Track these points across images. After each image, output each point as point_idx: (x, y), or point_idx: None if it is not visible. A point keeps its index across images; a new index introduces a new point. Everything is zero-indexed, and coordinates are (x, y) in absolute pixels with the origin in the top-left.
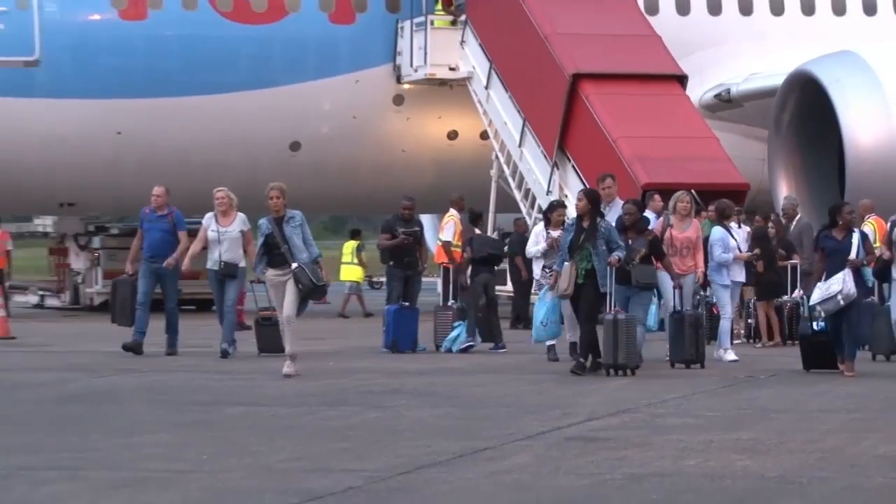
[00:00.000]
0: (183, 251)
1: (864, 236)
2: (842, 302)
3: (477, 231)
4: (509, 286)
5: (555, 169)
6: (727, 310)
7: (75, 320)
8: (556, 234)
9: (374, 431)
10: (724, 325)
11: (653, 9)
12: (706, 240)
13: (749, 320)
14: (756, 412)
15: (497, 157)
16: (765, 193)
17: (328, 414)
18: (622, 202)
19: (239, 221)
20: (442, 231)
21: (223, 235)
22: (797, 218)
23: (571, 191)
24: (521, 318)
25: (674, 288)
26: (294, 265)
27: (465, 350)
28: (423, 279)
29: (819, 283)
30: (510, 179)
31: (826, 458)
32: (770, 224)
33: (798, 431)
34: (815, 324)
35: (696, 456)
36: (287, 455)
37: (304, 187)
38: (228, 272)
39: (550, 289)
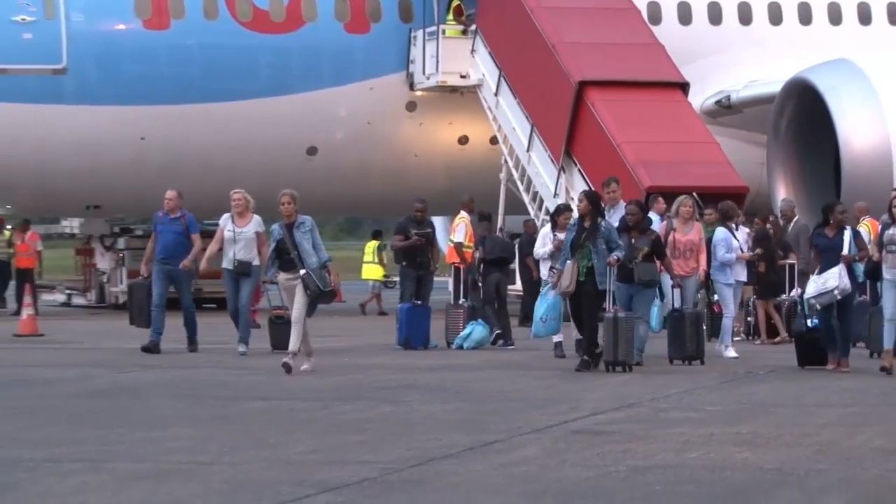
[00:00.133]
0: (197, 253)
1: (855, 233)
2: (838, 296)
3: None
4: (518, 285)
5: (561, 172)
6: (730, 308)
7: (101, 318)
8: (562, 236)
9: (388, 425)
10: (727, 323)
11: (656, 18)
12: (708, 241)
13: (748, 318)
14: (755, 407)
15: (506, 161)
16: (763, 196)
17: (343, 408)
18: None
19: (254, 223)
20: (454, 233)
21: (239, 235)
22: (795, 219)
23: (577, 194)
24: (530, 316)
25: (673, 287)
26: (302, 271)
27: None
28: (435, 278)
29: (814, 277)
30: (518, 183)
31: (823, 451)
32: (768, 225)
33: (795, 425)
34: (808, 321)
35: (697, 449)
36: (304, 448)
37: (320, 190)
38: (243, 270)
39: (553, 286)
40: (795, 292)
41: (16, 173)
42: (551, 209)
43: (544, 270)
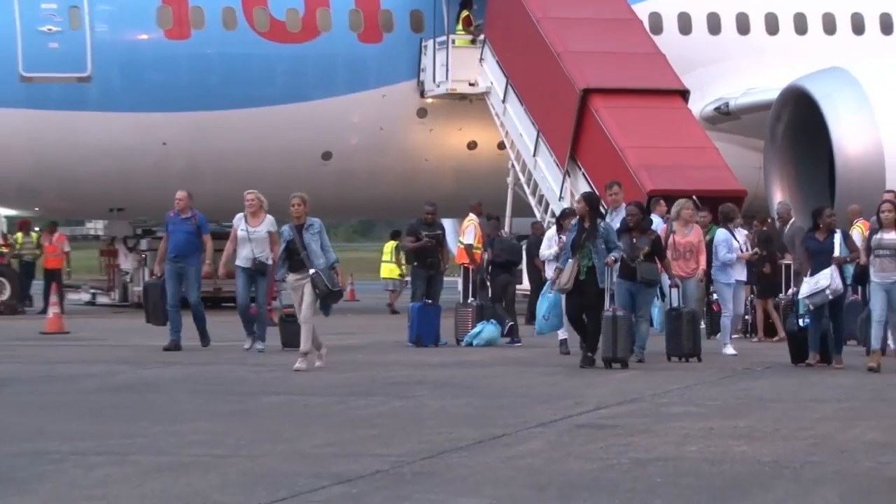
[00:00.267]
0: (211, 254)
1: (845, 235)
2: (830, 296)
3: (500, 232)
4: (526, 285)
5: (566, 177)
6: (729, 307)
7: (124, 316)
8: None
9: (400, 419)
10: (725, 321)
11: (657, 29)
12: (708, 243)
13: (746, 316)
14: (753, 401)
15: (513, 165)
16: (760, 199)
17: (357, 403)
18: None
19: (267, 222)
20: (463, 235)
21: (252, 235)
22: (791, 221)
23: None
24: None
25: (671, 287)
26: (311, 271)
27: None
28: (445, 278)
29: (806, 279)
30: (525, 186)
31: (818, 444)
32: (765, 227)
33: (792, 419)
34: (801, 321)
35: (697, 442)
36: (319, 441)
37: (334, 194)
38: (260, 269)
39: (552, 284)
40: (792, 291)
41: (43, 177)
42: (556, 212)
43: (549, 271)
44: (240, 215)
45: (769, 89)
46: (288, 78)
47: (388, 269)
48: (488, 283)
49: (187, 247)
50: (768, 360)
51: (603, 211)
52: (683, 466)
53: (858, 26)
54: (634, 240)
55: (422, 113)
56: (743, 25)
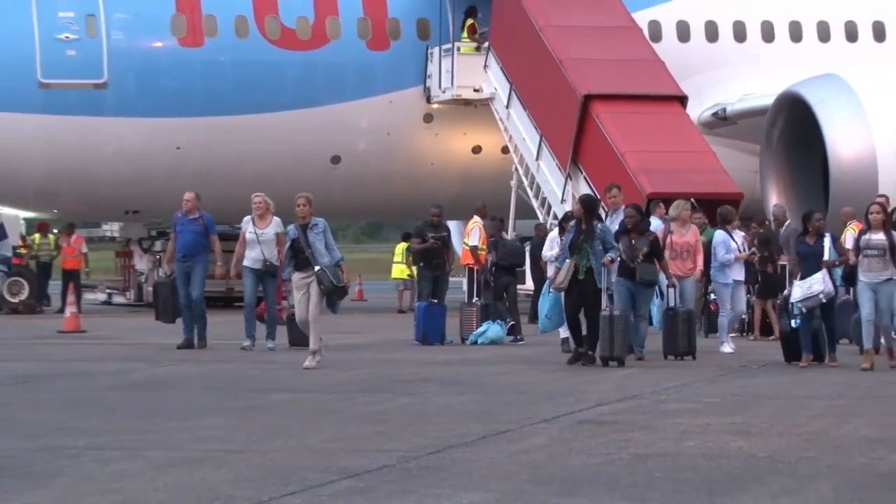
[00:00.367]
0: (220, 255)
1: (834, 239)
2: (823, 299)
3: (503, 234)
4: (529, 285)
5: (568, 180)
6: (727, 307)
7: (139, 316)
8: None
9: (406, 415)
10: (722, 320)
11: (656, 36)
12: (706, 244)
13: (744, 315)
14: (749, 398)
15: (517, 169)
16: (757, 202)
17: (364, 400)
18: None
19: (275, 224)
20: (468, 236)
21: (261, 237)
22: (786, 223)
23: None
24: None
25: (668, 287)
26: (317, 268)
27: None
28: (451, 279)
29: (798, 283)
30: (528, 189)
31: (812, 440)
32: (762, 229)
33: (787, 416)
34: (793, 322)
35: (695, 438)
36: (327, 437)
37: (343, 197)
38: (270, 270)
39: (550, 283)
40: (787, 291)
41: (60, 181)
42: (559, 214)
43: (551, 271)
44: (248, 218)
45: (765, 95)
46: (298, 84)
47: (400, 270)
48: (491, 284)
49: (195, 247)
50: (764, 359)
51: (603, 213)
52: (682, 461)
53: (852, 34)
54: (633, 241)
55: (428, 118)
56: (740, 33)
